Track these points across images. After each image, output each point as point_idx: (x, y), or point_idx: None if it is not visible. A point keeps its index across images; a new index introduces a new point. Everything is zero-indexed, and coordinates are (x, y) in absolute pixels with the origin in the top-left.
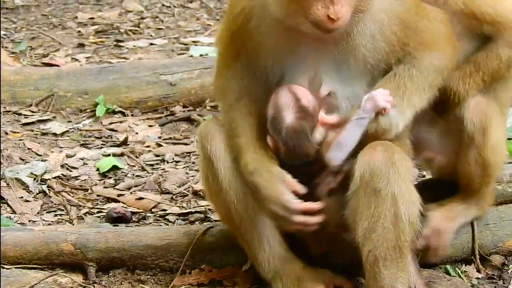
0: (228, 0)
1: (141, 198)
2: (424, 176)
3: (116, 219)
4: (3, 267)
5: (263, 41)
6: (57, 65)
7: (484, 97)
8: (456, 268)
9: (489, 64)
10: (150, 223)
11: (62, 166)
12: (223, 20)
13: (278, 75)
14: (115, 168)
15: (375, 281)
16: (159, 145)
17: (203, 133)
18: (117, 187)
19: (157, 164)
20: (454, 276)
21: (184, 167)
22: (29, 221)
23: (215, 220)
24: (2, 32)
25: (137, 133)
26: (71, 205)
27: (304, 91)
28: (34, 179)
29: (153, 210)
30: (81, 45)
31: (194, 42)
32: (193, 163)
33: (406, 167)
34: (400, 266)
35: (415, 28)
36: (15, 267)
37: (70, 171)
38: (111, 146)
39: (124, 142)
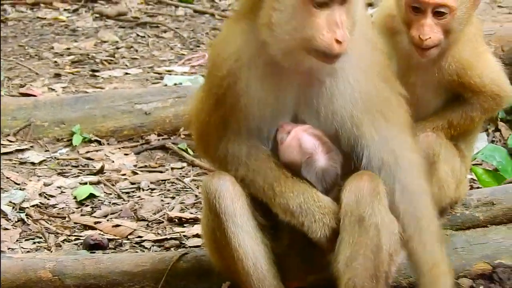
0: (208, 64)
1: (117, 225)
2: None
3: (93, 246)
4: None
5: (250, 95)
6: (34, 95)
7: (434, 131)
8: None
9: (462, 123)
10: (127, 249)
11: (40, 194)
12: (200, 93)
13: (263, 123)
14: (91, 196)
15: None
16: (135, 173)
17: (211, 190)
18: (94, 214)
19: (133, 191)
20: None
21: (160, 194)
22: (8, 248)
23: (190, 246)
24: None
25: (113, 162)
26: (49, 233)
27: (313, 129)
28: (13, 207)
29: (129, 237)
30: (58, 75)
31: (168, 71)
32: (168, 190)
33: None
34: None
35: (388, 68)
36: None
37: (48, 199)
38: (87, 174)
39: (101, 171)
